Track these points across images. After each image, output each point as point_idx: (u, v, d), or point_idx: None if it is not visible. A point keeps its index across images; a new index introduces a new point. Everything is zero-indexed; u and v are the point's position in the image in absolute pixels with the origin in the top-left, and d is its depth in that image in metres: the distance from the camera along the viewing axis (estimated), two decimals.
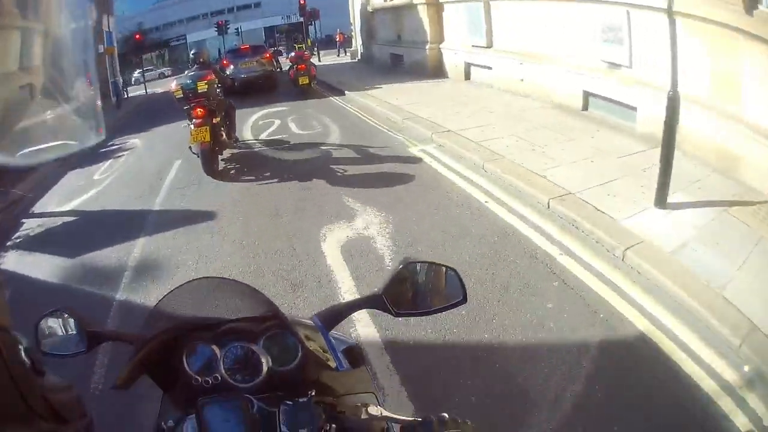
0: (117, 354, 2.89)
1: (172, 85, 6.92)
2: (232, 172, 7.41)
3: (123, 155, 9.81)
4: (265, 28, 50.64)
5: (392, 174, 6.42)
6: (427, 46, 14.55)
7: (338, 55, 27.35)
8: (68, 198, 7.37)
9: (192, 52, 7.71)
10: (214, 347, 1.04)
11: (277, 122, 10.42)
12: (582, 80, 8.74)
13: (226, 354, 1.04)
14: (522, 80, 10.45)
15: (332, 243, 4.67)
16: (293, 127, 9.95)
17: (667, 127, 4.52)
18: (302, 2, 24.00)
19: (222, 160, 7.57)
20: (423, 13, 14.59)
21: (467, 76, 13.22)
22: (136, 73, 41.51)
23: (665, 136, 4.56)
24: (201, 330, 1.07)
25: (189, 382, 1.05)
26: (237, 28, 46.40)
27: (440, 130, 8.00)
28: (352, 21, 23.12)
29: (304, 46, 17.68)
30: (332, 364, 1.12)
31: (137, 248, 5.08)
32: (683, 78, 6.59)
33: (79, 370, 3.00)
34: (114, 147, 10.60)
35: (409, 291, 1.23)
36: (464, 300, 1.23)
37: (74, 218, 6.55)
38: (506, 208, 5.20)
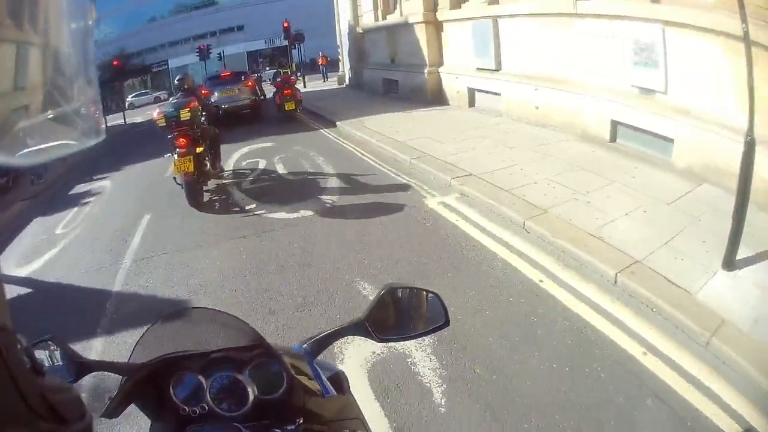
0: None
1: (155, 113, 6.65)
2: (217, 205, 7.02)
3: (89, 202, 8.89)
4: (248, 52, 49.69)
5: (411, 242, 5.05)
6: (426, 70, 13.48)
7: (324, 81, 26.10)
8: (27, 258, 6.40)
9: (176, 78, 7.48)
10: (201, 377, 1.05)
11: (263, 163, 9.17)
12: (609, 108, 7.69)
13: (212, 383, 1.05)
14: (537, 108, 9.39)
15: (354, 365, 3.29)
16: (281, 169, 8.72)
17: (742, 179, 3.76)
18: (286, 25, 22.93)
19: (207, 191, 7.26)
20: (420, 33, 13.52)
21: (471, 103, 12.19)
22: (130, 98, 40.65)
23: (740, 189, 3.75)
24: (187, 360, 1.06)
25: (177, 411, 1.08)
26: (219, 53, 45.47)
27: (459, 174, 6.78)
28: (339, 43, 22.15)
29: (289, 70, 17.10)
30: (319, 391, 1.13)
31: (93, 352, 3.82)
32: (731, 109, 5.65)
33: None
34: (82, 191, 9.96)
35: (392, 316, 1.23)
36: (447, 323, 1.23)
37: (28, 290, 5.38)
38: (567, 289, 3.99)
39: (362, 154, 9.17)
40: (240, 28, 50.08)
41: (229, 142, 10.35)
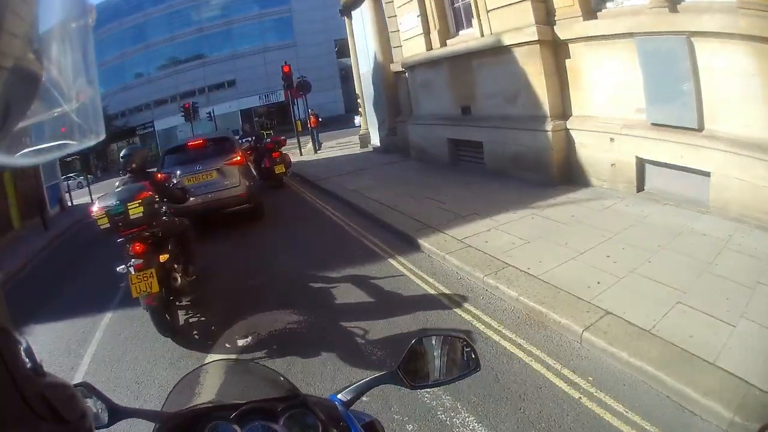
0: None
1: (94, 208, 4.63)
2: (196, 334, 4.67)
3: None
4: (241, 110, 44.43)
5: None
6: (547, 125, 7.62)
7: (317, 149, 18.56)
8: None
9: (121, 154, 5.33)
10: (236, 426, 1.03)
11: None
12: None
13: None
14: None
15: None
16: None
17: None
18: (286, 69, 17.15)
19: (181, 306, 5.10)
20: (528, 61, 7.86)
21: (640, 185, 6.64)
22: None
23: None
24: (221, 410, 1.06)
25: None
26: (209, 112, 40.18)
27: None
28: (358, 92, 16.36)
29: (272, 131, 14.04)
30: None
31: None
32: None
33: None
34: None
35: (424, 363, 1.23)
36: (478, 368, 1.24)
37: None
38: None
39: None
40: (231, 83, 44.84)
41: None
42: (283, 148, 12.18)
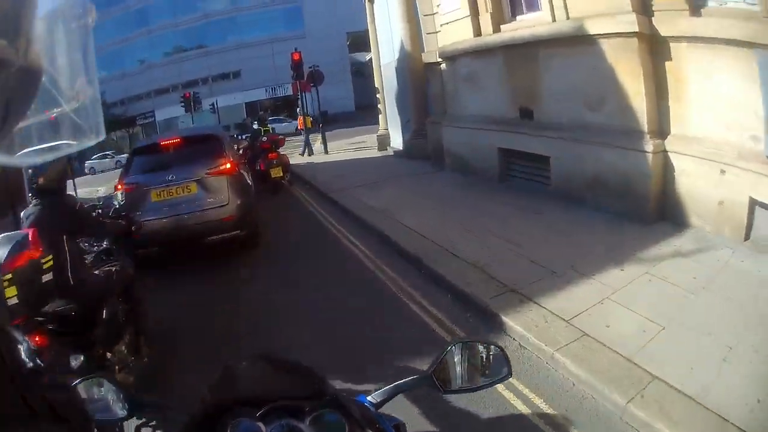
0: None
1: None
2: None
3: None
4: (246, 103, 42.26)
5: None
6: (645, 143, 5.63)
7: (303, 153, 16.04)
8: None
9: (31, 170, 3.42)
10: (260, 424, 0.96)
11: None
12: None
13: (271, 431, 0.97)
14: None
15: None
16: None
17: None
18: (296, 57, 14.99)
19: None
20: (619, 56, 5.92)
21: (747, 232, 4.79)
22: (91, 161, 32.82)
23: None
24: (246, 405, 0.99)
25: None
26: (212, 104, 38.12)
27: None
28: (378, 86, 14.29)
29: (270, 128, 12.07)
30: None
31: None
32: None
33: None
34: None
35: (457, 369, 1.24)
36: (509, 375, 1.25)
37: None
38: None
39: None
40: (236, 74, 42.55)
41: None
42: (281, 148, 10.52)
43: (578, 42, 6.20)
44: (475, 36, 8.27)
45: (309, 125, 16.13)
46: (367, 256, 5.67)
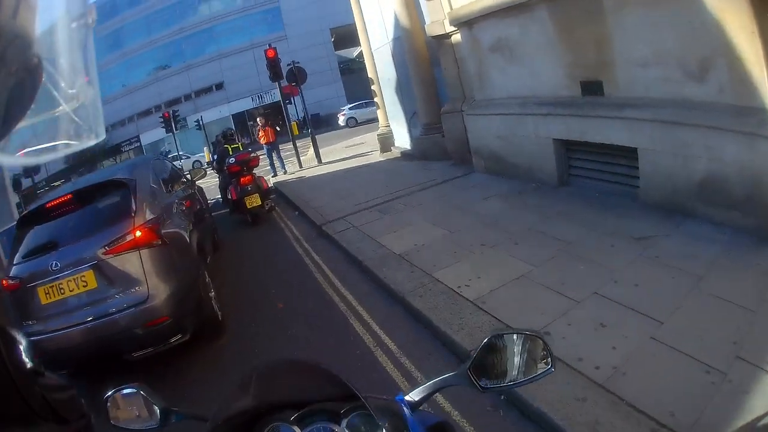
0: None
1: None
2: None
3: None
4: (233, 115, 39.88)
5: None
6: None
7: (275, 174, 13.02)
8: None
9: None
10: (296, 428, 0.99)
11: None
12: None
13: None
14: None
15: None
16: None
17: None
18: (271, 54, 12.50)
19: None
20: (724, 5, 3.68)
21: None
22: None
23: None
24: (281, 410, 1.02)
25: None
26: (197, 120, 35.72)
27: None
28: (371, 76, 11.97)
29: (240, 145, 9.78)
30: None
31: None
32: None
33: None
34: None
35: (496, 364, 1.13)
36: (552, 368, 1.12)
37: None
38: None
39: None
40: (219, 86, 39.97)
41: None
42: (255, 169, 8.31)
43: None
44: None
45: (296, 132, 13.73)
46: (409, 375, 3.30)
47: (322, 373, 0.98)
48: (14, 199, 22.07)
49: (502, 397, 2.63)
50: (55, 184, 31.23)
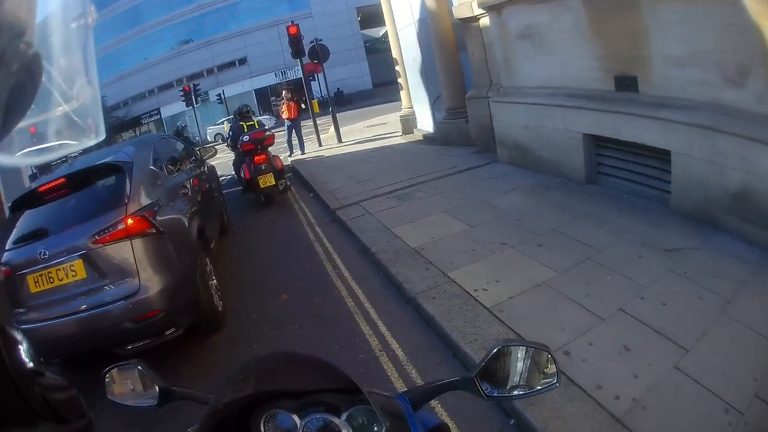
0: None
1: None
2: None
3: None
4: (256, 90, 39.70)
5: None
6: None
7: (291, 153, 12.70)
8: None
9: None
10: (295, 417, 0.99)
11: None
12: None
13: (306, 425, 0.98)
14: None
15: None
16: None
17: None
18: (293, 31, 12.25)
19: None
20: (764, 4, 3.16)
21: None
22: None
23: None
24: (281, 398, 1.01)
25: None
26: (219, 94, 35.65)
27: None
28: (396, 56, 11.66)
29: (256, 123, 9.22)
30: None
31: None
32: None
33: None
34: None
35: (502, 373, 1.11)
36: (557, 383, 1.11)
37: None
38: None
39: None
40: (242, 61, 39.80)
41: None
42: (271, 147, 8.05)
43: None
44: None
45: (317, 110, 13.45)
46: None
47: (324, 365, 0.98)
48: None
49: (512, 421, 2.44)
50: (53, 163, 31.40)
